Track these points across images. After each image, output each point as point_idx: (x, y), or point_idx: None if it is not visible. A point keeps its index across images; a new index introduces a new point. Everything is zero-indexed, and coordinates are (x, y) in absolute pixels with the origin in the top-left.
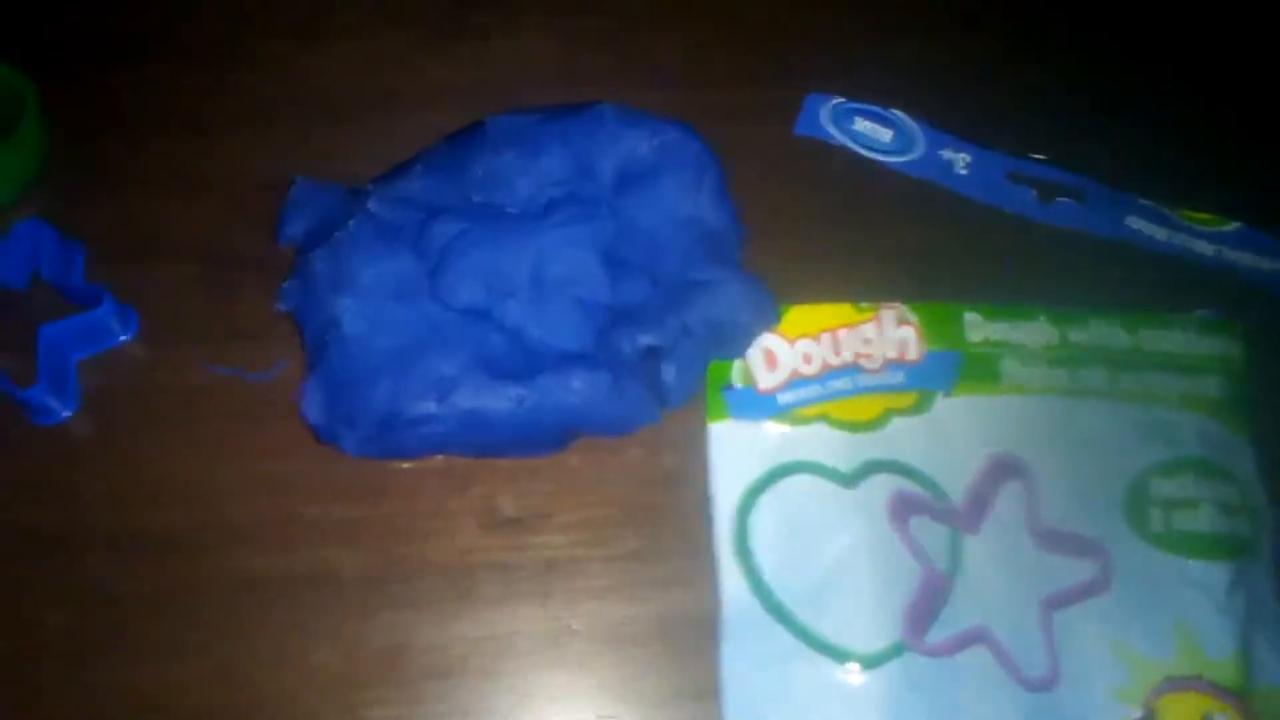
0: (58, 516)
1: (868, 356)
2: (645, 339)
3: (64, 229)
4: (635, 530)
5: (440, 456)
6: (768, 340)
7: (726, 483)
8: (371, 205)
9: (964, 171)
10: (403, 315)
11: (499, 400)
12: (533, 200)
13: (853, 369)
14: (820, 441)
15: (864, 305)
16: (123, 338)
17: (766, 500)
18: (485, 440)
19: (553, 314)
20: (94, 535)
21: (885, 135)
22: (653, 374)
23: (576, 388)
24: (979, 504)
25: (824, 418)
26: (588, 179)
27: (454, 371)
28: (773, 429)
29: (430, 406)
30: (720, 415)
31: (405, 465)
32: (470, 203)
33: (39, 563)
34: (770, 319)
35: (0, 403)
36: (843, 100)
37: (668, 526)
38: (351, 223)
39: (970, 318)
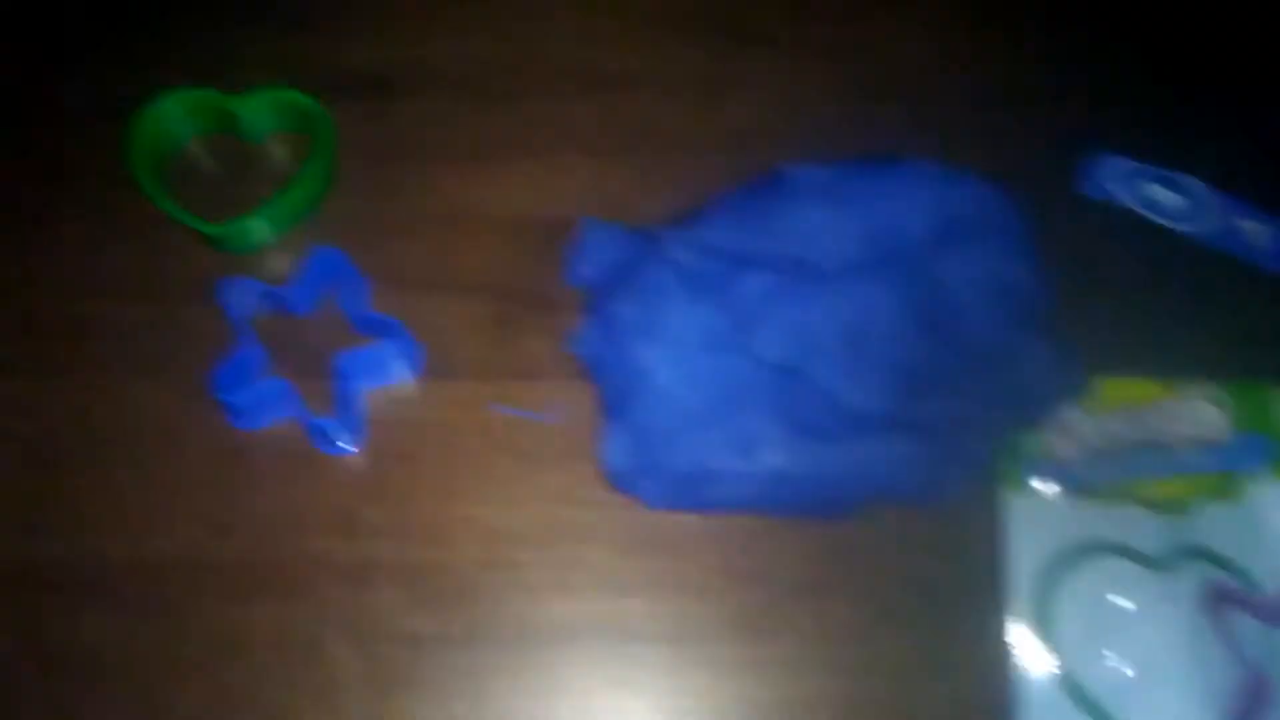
0: (346, 548)
1: (1173, 436)
2: (954, 406)
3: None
4: (927, 605)
5: (731, 513)
6: (1068, 412)
7: (1025, 560)
8: (675, 253)
9: (1264, 244)
10: (712, 368)
11: (809, 461)
12: (842, 256)
13: (1158, 447)
14: (1127, 522)
15: (1169, 382)
16: (409, 371)
17: (1069, 580)
18: (787, 500)
19: (864, 375)
20: (382, 568)
21: (1176, 201)
22: (960, 443)
23: (888, 455)
24: None
25: (1129, 496)
26: (900, 237)
27: (764, 429)
28: (1075, 505)
29: (738, 462)
30: (1017, 487)
31: (697, 519)
32: (776, 256)
33: (330, 593)
34: (1078, 390)
35: (290, 429)
36: (1130, 161)
37: (956, 603)
38: (656, 270)
39: None
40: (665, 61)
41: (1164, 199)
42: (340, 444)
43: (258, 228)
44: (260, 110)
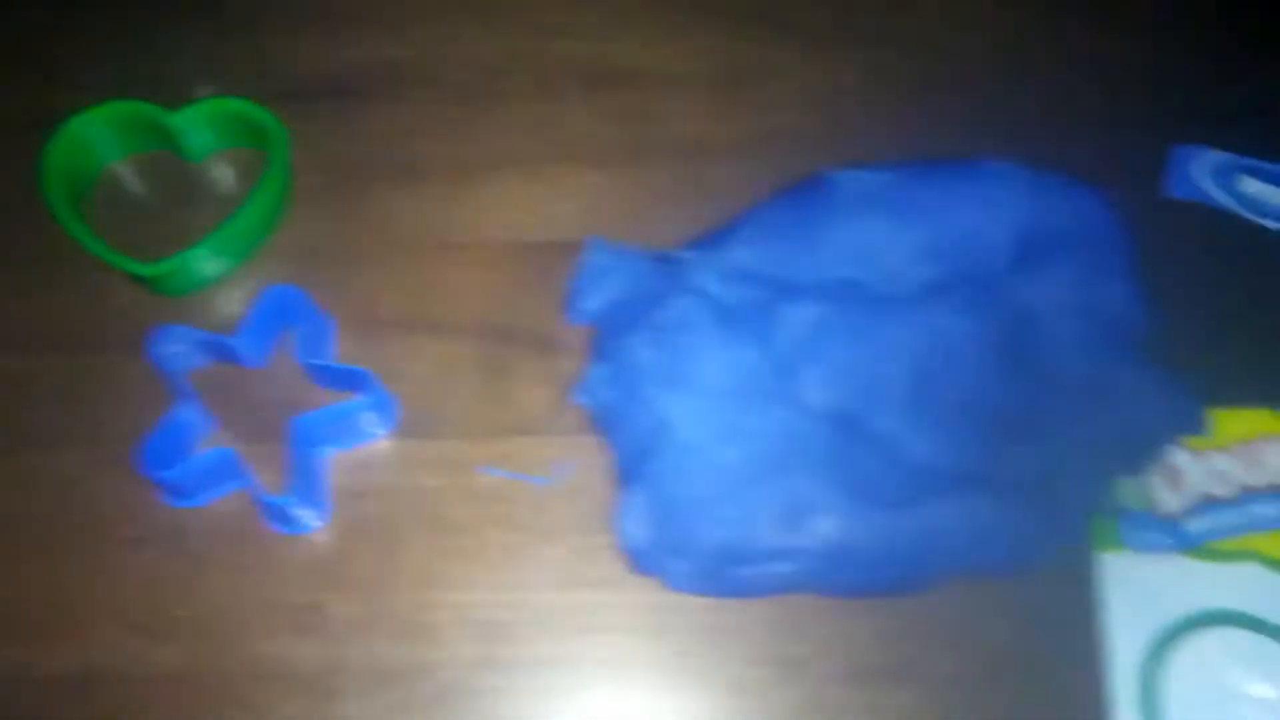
0: (308, 652)
1: None
2: (1042, 456)
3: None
4: (1010, 688)
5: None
6: (1173, 454)
7: (1128, 631)
8: (701, 279)
9: None
10: (749, 421)
11: (870, 532)
12: (904, 277)
13: (1279, 493)
14: (1250, 585)
15: None
16: (382, 430)
17: (1182, 656)
18: (847, 580)
19: (935, 424)
20: (350, 675)
21: (1277, 197)
22: (1051, 500)
23: (965, 519)
24: None
25: (1252, 554)
26: (977, 253)
27: (815, 494)
28: (1185, 565)
29: (784, 537)
30: (1113, 545)
31: (734, 601)
32: (824, 281)
33: (289, 708)
34: (1192, 428)
35: (238, 507)
36: (1225, 154)
37: (1049, 684)
38: (679, 302)
39: None
40: (680, 53)
41: (1265, 194)
42: (299, 522)
43: (199, 263)
44: (201, 124)
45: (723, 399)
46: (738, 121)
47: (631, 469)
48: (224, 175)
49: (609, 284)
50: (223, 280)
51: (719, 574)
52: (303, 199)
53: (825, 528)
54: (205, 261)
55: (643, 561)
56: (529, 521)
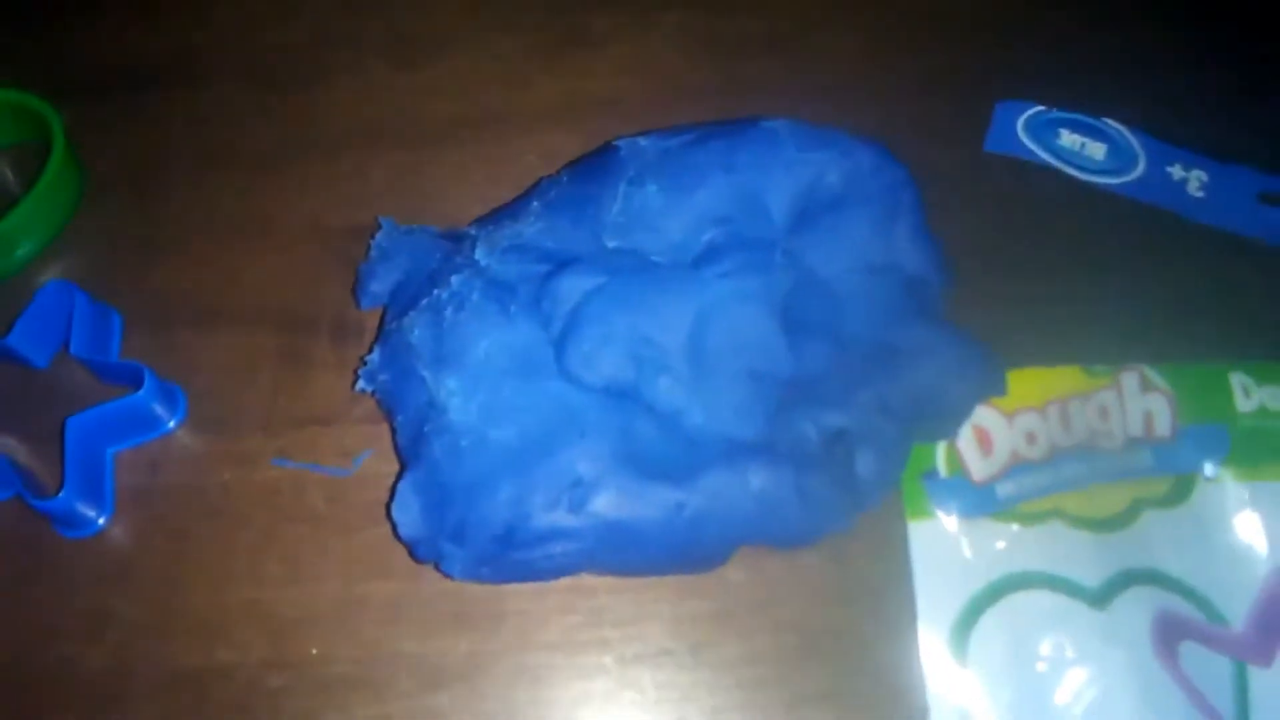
0: (94, 654)
1: (1106, 434)
2: (834, 420)
3: (95, 290)
4: (819, 664)
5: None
6: (981, 415)
7: (937, 600)
8: (479, 255)
9: (1200, 194)
10: (524, 398)
11: (651, 507)
12: (686, 245)
13: (1088, 450)
14: (1056, 545)
15: (1097, 369)
16: (169, 425)
17: (991, 621)
18: (631, 559)
19: (718, 392)
20: (139, 679)
21: (1097, 151)
22: (843, 466)
23: (753, 489)
24: (1268, 628)
25: (1057, 513)
26: (756, 216)
27: (593, 471)
28: (994, 529)
29: (563, 517)
30: (923, 513)
31: (525, 588)
32: (605, 250)
33: (73, 715)
34: (993, 389)
35: (16, 511)
36: (1042, 109)
37: (860, 658)
38: (455, 279)
39: (1239, 380)
40: (491, 23)
41: (1080, 148)
42: (84, 524)
43: None
44: None
45: (495, 377)
46: (547, 90)
47: (408, 454)
48: (8, 172)
49: (396, 265)
50: (5, 281)
51: (498, 559)
52: (98, 192)
53: (602, 504)
54: None
55: (420, 549)
56: (325, 513)
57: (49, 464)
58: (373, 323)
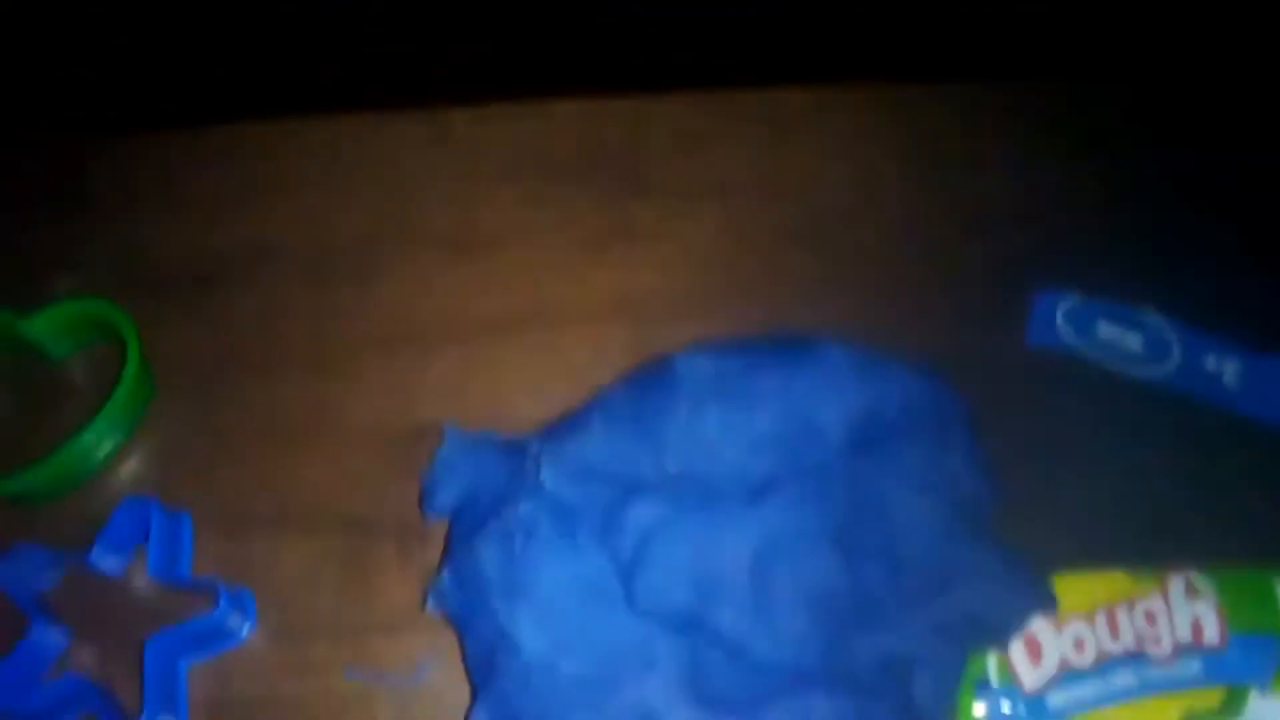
0: None
1: (1154, 639)
2: (891, 645)
3: (165, 492)
4: None
5: None
6: (1030, 624)
7: None
8: (547, 480)
9: (1236, 384)
10: (593, 628)
11: None
12: (744, 470)
13: (1137, 658)
14: None
15: (1143, 573)
16: (241, 635)
17: None
18: None
19: (780, 620)
20: None
21: (1134, 342)
22: (900, 691)
23: (822, 716)
24: None
25: None
26: (813, 441)
27: (663, 703)
28: None
29: None
30: None
31: None
32: (667, 475)
33: None
34: (1044, 606)
35: None
36: (1081, 299)
37: None
38: (523, 506)
39: None
40: (539, 216)
41: (1119, 339)
42: None
43: (50, 475)
44: (55, 328)
45: (565, 607)
46: (599, 283)
47: (479, 678)
48: (77, 378)
49: (460, 476)
50: (81, 485)
51: None
52: (164, 395)
53: None
54: (61, 470)
55: None
56: None
57: (122, 678)
58: (439, 531)
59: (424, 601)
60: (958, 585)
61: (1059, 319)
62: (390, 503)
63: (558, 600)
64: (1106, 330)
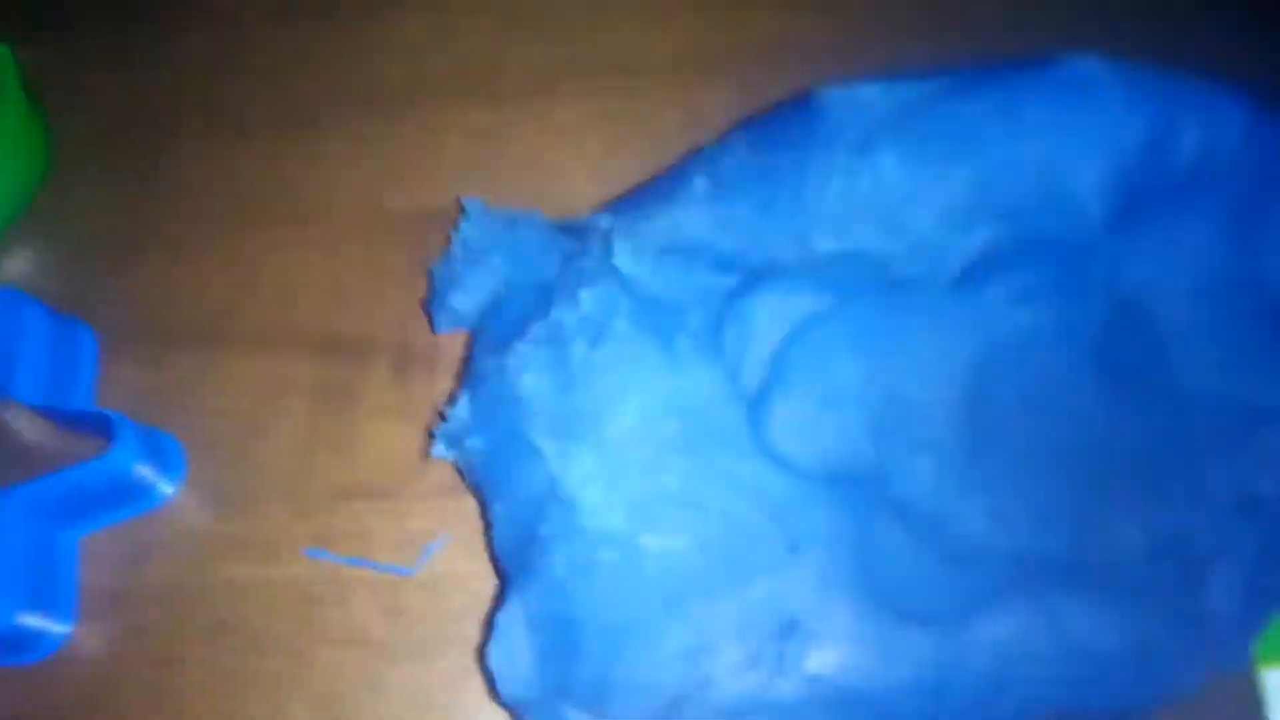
0: None
1: None
2: (1173, 521)
3: (60, 299)
4: None
5: None
6: None
7: None
8: (619, 259)
9: None
10: (700, 488)
11: (905, 666)
12: (946, 249)
13: None
14: None
15: None
16: (160, 496)
17: None
18: None
19: (999, 481)
20: None
21: None
22: (1188, 593)
23: (1069, 636)
24: None
25: None
26: (1058, 205)
27: (812, 607)
28: None
29: (768, 682)
30: None
31: None
32: (816, 255)
33: None
34: None
35: None
36: None
37: None
38: (585, 295)
39: None
40: None
41: None
42: (35, 644)
43: None
44: None
45: (655, 454)
46: (694, 26)
47: (513, 566)
48: None
49: (490, 270)
50: None
51: None
52: (64, 166)
53: (828, 662)
54: None
55: (530, 715)
56: (380, 633)
57: None
58: (453, 351)
59: (429, 448)
60: (1278, 436)
61: None
62: (385, 317)
63: (642, 442)
64: None
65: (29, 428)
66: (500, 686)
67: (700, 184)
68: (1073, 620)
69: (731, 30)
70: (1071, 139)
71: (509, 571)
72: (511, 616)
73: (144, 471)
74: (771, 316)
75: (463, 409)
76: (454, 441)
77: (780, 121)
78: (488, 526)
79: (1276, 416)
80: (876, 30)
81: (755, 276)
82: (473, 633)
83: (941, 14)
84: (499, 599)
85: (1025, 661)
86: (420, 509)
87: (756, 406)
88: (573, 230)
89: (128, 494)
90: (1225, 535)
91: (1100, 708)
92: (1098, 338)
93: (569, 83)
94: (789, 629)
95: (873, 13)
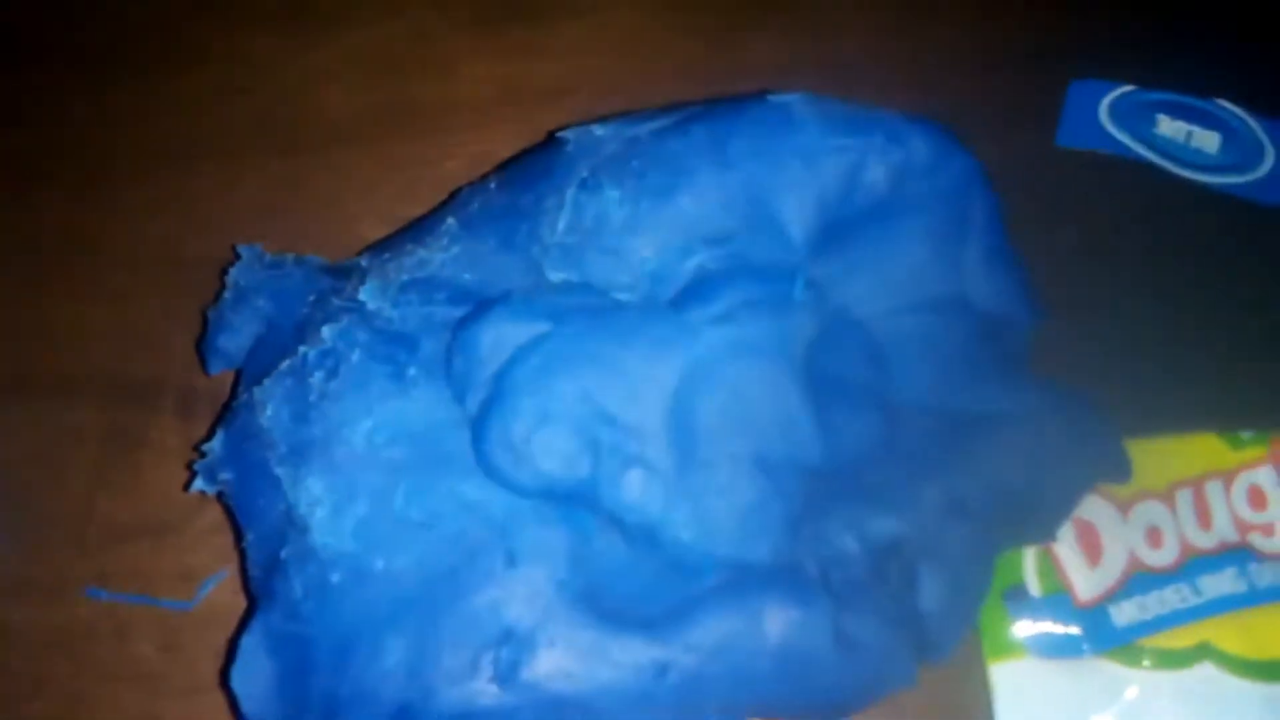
0: None
1: (1264, 529)
2: (885, 527)
3: None
4: None
5: None
6: (1085, 507)
7: None
8: (364, 295)
9: None
10: (425, 508)
11: (619, 671)
12: (663, 275)
13: (1240, 552)
14: (1209, 703)
15: (1243, 436)
16: None
17: None
18: None
19: (715, 491)
20: None
21: (1209, 142)
22: (900, 594)
23: (772, 639)
24: None
25: (1206, 651)
26: (764, 231)
27: (529, 617)
28: (1114, 674)
29: (486, 690)
30: (1009, 650)
31: None
32: (546, 284)
33: None
34: (1113, 471)
35: None
36: (1132, 89)
37: None
38: (327, 330)
39: None
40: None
41: (1186, 138)
42: None
43: None
44: None
45: (382, 476)
46: (481, 76)
47: (259, 590)
48: None
49: (256, 312)
50: None
51: None
52: None
53: (544, 669)
54: None
55: None
56: (158, 667)
57: None
58: (227, 390)
59: (188, 482)
60: (983, 441)
61: (1102, 114)
62: (174, 361)
63: (370, 465)
64: (1170, 127)
65: None
66: (244, 707)
67: (449, 223)
68: (779, 623)
69: (516, 78)
70: (774, 170)
71: (256, 597)
72: (254, 640)
73: None
74: (495, 342)
75: (218, 443)
76: (210, 476)
77: (528, 162)
78: (242, 556)
79: (979, 422)
80: (662, 74)
81: (485, 305)
82: None
83: (703, 63)
84: (243, 623)
85: (730, 661)
86: (201, 545)
87: (479, 427)
88: (341, 271)
89: None
90: (935, 538)
91: (808, 703)
92: (807, 353)
93: (364, 131)
94: (504, 638)
95: (648, 61)
